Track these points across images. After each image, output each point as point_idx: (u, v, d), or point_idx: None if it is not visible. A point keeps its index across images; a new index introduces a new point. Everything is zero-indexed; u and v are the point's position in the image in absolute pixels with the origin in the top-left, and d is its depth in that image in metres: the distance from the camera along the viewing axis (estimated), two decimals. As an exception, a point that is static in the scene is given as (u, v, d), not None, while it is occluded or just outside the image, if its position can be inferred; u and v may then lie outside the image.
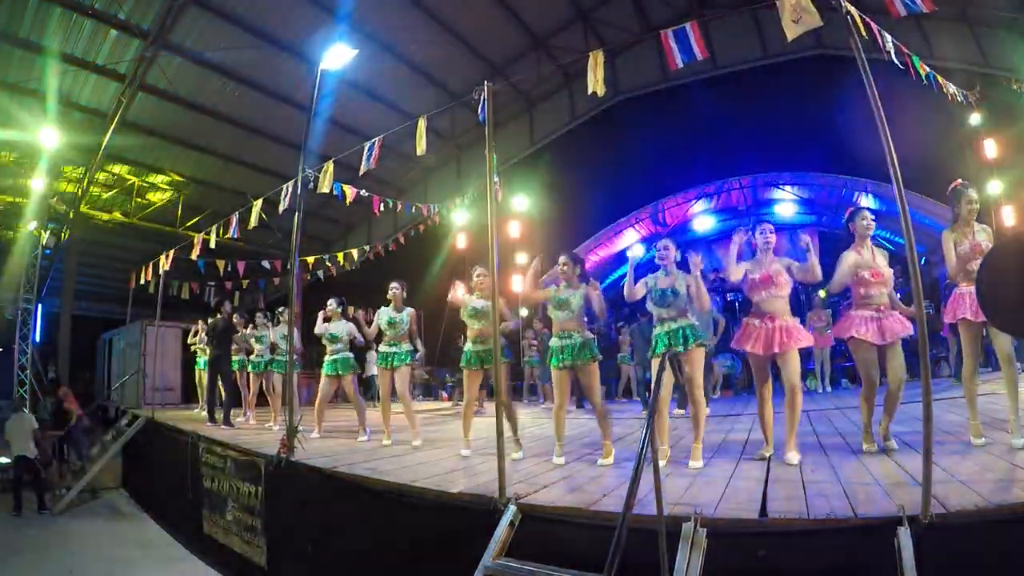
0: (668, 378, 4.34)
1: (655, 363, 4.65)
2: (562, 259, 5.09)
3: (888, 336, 4.23)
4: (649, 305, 4.79)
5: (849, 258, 4.42)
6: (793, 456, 4.15)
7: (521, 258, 14.81)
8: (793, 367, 4.26)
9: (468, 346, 5.68)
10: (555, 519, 3.36)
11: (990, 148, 11.35)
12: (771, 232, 4.57)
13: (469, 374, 5.65)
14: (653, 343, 4.71)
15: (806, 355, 10.34)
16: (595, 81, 3.80)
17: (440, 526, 3.88)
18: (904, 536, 2.61)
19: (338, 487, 4.74)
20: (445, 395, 14.73)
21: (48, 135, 11.13)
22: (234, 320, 9.19)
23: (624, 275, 5.12)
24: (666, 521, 2.63)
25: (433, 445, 6.17)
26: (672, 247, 4.84)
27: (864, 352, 4.30)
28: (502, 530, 3.28)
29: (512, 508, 3.40)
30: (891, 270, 4.44)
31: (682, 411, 7.88)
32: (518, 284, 14.63)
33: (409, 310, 6.60)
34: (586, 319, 5.07)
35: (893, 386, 4.31)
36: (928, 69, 5.55)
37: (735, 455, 4.73)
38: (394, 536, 4.21)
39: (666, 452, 4.62)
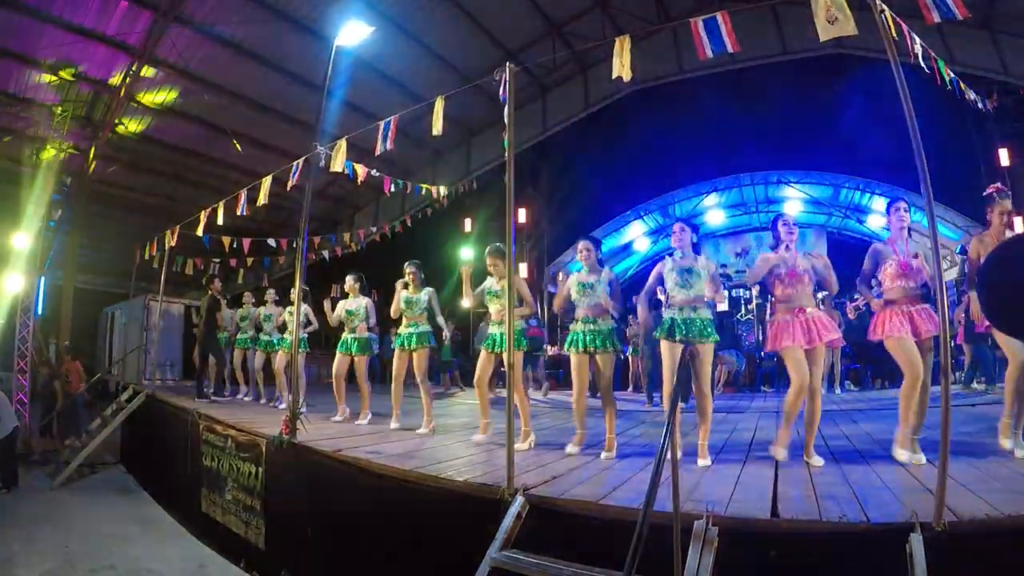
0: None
1: (664, 345, 4.52)
2: (582, 244, 5.03)
3: (923, 333, 4.04)
4: (669, 286, 4.65)
5: (884, 253, 4.30)
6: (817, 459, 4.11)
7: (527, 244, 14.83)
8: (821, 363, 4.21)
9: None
10: (564, 512, 3.32)
11: (1003, 156, 11.30)
12: (795, 225, 4.47)
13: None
14: (664, 323, 4.58)
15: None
16: (621, 66, 3.71)
17: (445, 515, 3.84)
18: (916, 543, 2.58)
19: (340, 471, 4.69)
20: (448, 379, 14.70)
21: (55, 106, 11.06)
22: (221, 298, 9.35)
23: (631, 266, 5.09)
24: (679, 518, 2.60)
25: (439, 431, 6.14)
26: (688, 229, 4.77)
27: (901, 343, 4.07)
28: (509, 521, 3.24)
29: (520, 499, 3.35)
30: (919, 262, 4.17)
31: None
32: (523, 270, 14.67)
33: (428, 290, 6.51)
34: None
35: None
36: (952, 74, 5.47)
37: (741, 453, 4.70)
38: (397, 523, 4.17)
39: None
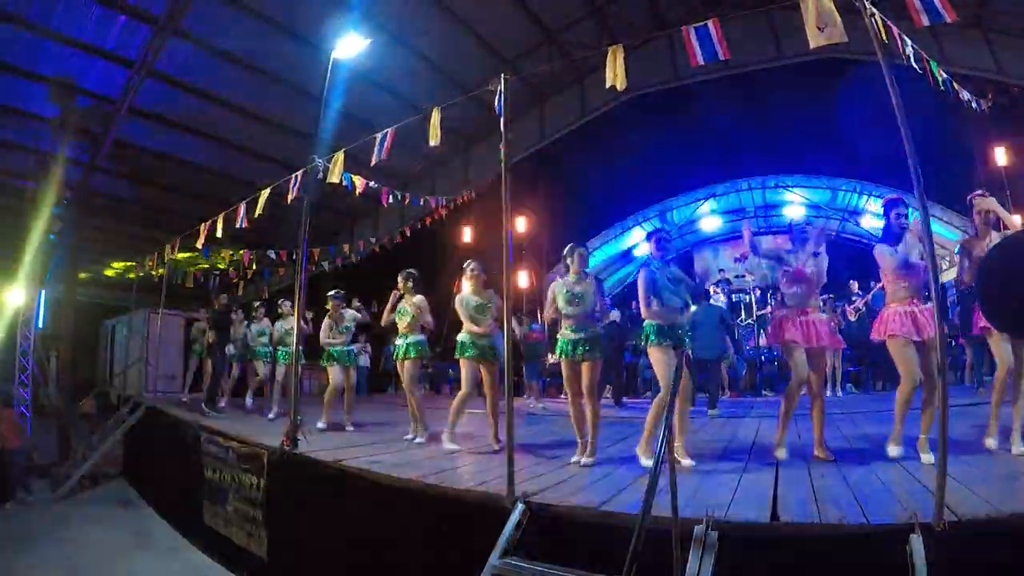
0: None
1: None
2: (573, 253, 5.06)
3: (925, 332, 4.05)
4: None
5: (884, 253, 4.34)
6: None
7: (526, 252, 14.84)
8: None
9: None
10: (564, 519, 3.33)
11: (1000, 156, 11.30)
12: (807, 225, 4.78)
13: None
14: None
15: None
16: (615, 76, 3.74)
17: (446, 523, 3.84)
18: (917, 544, 2.59)
19: (342, 481, 4.70)
20: (448, 388, 14.68)
21: (54, 120, 11.10)
22: (230, 312, 9.40)
23: (629, 273, 5.20)
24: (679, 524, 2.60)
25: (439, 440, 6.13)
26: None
27: (903, 348, 4.10)
28: (510, 529, 3.24)
29: (520, 507, 3.36)
30: (923, 263, 4.18)
31: (715, 411, 8.07)
32: (523, 280, 14.69)
33: (417, 299, 6.51)
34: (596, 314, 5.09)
35: (926, 388, 4.10)
36: (944, 75, 5.49)
37: (742, 457, 4.70)
38: (398, 532, 4.17)
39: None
